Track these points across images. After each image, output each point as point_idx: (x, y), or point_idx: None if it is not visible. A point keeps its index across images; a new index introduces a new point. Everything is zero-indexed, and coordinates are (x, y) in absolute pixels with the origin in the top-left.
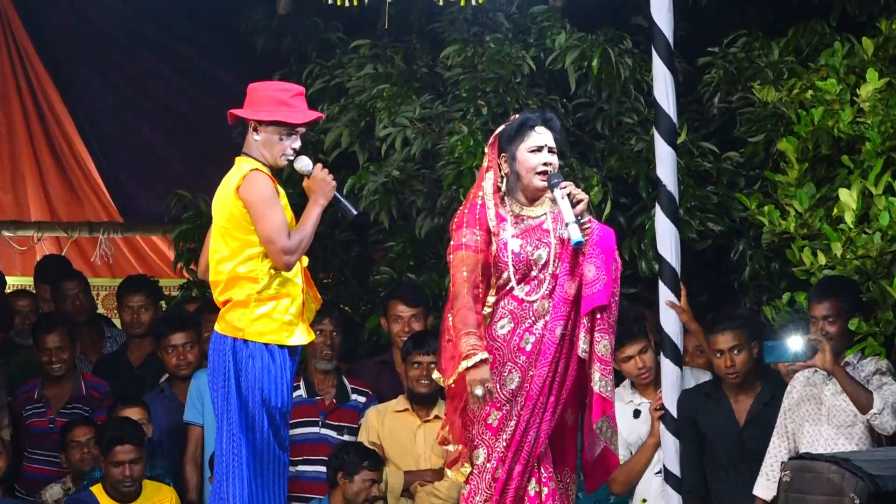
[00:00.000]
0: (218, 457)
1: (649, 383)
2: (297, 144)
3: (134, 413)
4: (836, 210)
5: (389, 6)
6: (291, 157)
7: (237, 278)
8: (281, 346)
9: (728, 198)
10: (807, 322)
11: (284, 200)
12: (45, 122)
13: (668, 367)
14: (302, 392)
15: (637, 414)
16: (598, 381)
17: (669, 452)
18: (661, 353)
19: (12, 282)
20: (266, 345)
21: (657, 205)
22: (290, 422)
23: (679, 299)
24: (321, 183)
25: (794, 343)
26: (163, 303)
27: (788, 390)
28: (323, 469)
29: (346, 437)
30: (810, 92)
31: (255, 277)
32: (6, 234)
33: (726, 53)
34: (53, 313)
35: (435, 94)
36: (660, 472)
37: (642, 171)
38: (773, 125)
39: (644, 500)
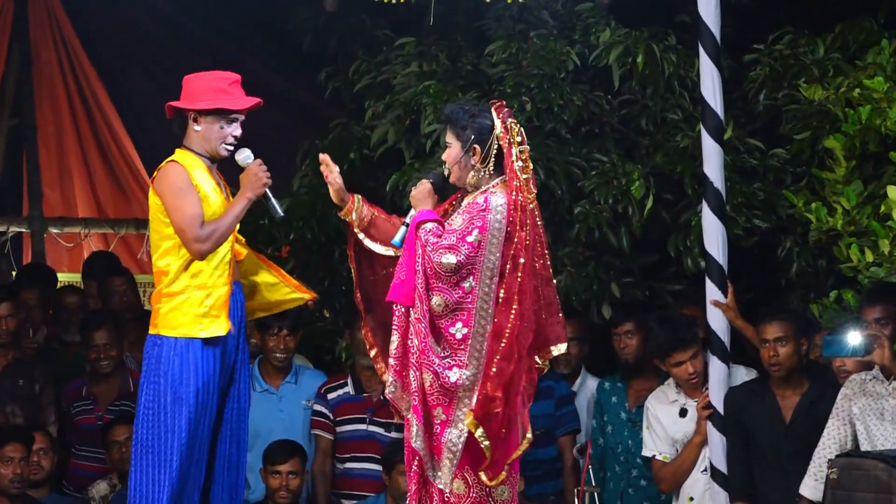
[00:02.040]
0: (136, 455)
1: (697, 386)
2: (238, 132)
3: None
4: (883, 207)
5: (435, 4)
6: (232, 147)
7: (157, 273)
8: (194, 340)
9: (774, 195)
10: (857, 319)
11: (203, 191)
12: (92, 120)
13: (715, 364)
14: (349, 389)
15: (683, 413)
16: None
17: (716, 450)
18: (708, 351)
19: (60, 278)
20: (179, 339)
21: (704, 201)
22: (338, 419)
23: (726, 296)
24: (252, 178)
25: (853, 338)
26: None
27: (844, 392)
28: (371, 466)
29: (393, 434)
30: (857, 90)
31: (167, 271)
32: (54, 230)
33: (772, 50)
34: (101, 310)
35: (479, 91)
36: (706, 470)
37: (688, 168)
38: (819, 122)
39: (691, 499)
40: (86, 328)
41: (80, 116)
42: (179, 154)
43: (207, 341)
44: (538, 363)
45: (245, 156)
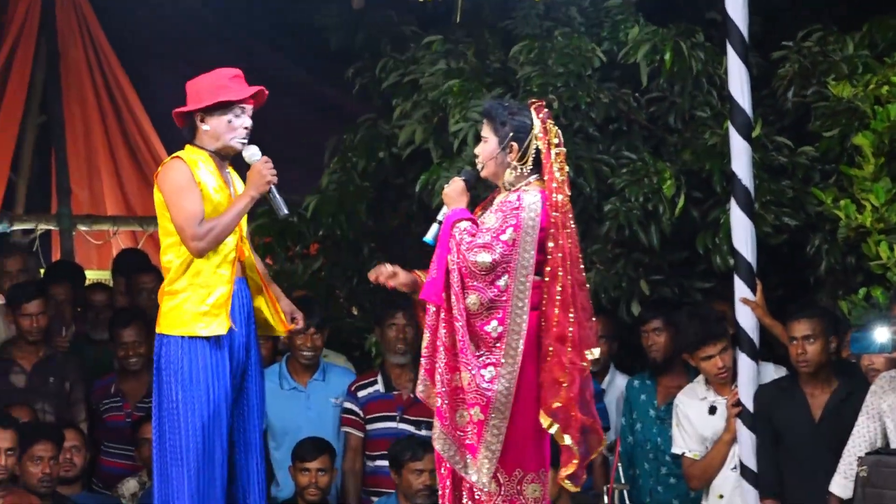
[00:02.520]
0: (156, 456)
1: (725, 381)
2: (248, 123)
3: None
4: None
5: (462, 1)
6: (244, 140)
7: (163, 269)
8: (200, 340)
9: (803, 192)
10: (885, 316)
11: (205, 189)
12: (120, 118)
13: (744, 361)
14: (379, 387)
15: (713, 410)
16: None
17: (746, 448)
18: (737, 348)
19: (89, 276)
20: (184, 337)
21: (732, 199)
22: (368, 417)
23: (754, 294)
24: (257, 175)
25: (881, 335)
26: None
27: (873, 390)
28: None
29: (423, 433)
30: (886, 87)
31: (169, 268)
32: (82, 228)
33: (801, 48)
34: (129, 308)
35: (507, 89)
36: (736, 467)
37: (716, 165)
38: (847, 120)
39: (721, 496)
40: (114, 326)
41: (108, 114)
42: (187, 150)
43: (211, 340)
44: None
45: (252, 152)
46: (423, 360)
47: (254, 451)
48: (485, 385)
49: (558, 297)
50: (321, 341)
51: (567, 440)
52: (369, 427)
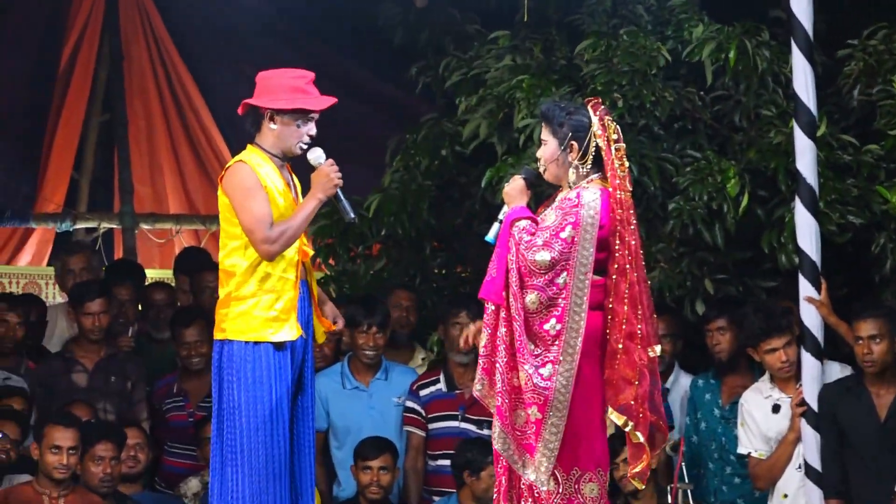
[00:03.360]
0: (214, 458)
1: (790, 378)
2: (313, 131)
3: None
4: None
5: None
6: (307, 145)
7: (224, 273)
8: (265, 344)
9: (868, 191)
10: None
11: (271, 191)
12: (183, 116)
13: (808, 361)
14: (441, 386)
15: (777, 409)
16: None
17: (810, 447)
18: (802, 347)
19: (151, 275)
20: (248, 342)
21: (797, 198)
22: (430, 416)
23: (819, 293)
24: (324, 178)
25: None
26: None
27: None
28: None
29: (485, 432)
30: None
31: (234, 272)
32: (145, 227)
33: (866, 46)
34: (191, 307)
35: (573, 86)
36: (800, 466)
37: (781, 164)
38: None
39: (785, 496)
40: (176, 324)
41: (171, 112)
42: (249, 151)
43: (278, 345)
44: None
45: (317, 155)
46: (481, 360)
47: (308, 452)
48: (542, 383)
49: (626, 295)
50: (383, 341)
51: (639, 437)
52: (431, 426)
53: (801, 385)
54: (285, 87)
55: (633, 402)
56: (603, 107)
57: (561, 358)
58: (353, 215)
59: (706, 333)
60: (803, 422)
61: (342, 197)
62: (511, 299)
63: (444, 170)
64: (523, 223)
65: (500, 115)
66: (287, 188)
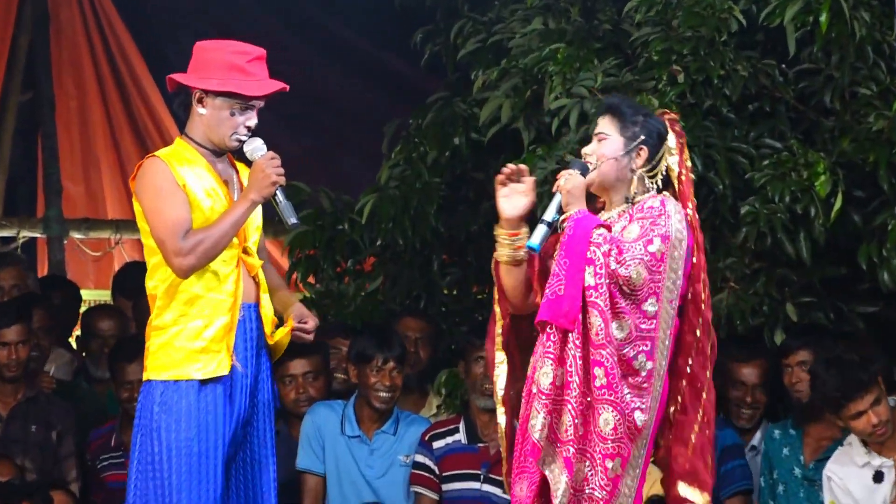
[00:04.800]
0: None
1: (887, 439)
2: (253, 122)
3: None
4: None
5: None
6: (244, 137)
7: (149, 297)
8: (187, 381)
9: None
10: None
11: (192, 193)
12: (125, 96)
13: None
14: (461, 437)
15: (879, 477)
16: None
17: None
18: None
19: (84, 296)
20: (168, 381)
21: None
22: (445, 474)
23: None
24: (259, 175)
25: None
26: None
27: None
28: None
29: None
30: None
31: (155, 296)
32: (76, 235)
33: None
34: (136, 337)
35: (621, 57)
36: None
37: (883, 157)
38: None
39: None
40: (115, 360)
41: (110, 90)
42: (175, 143)
43: (208, 383)
44: None
45: (253, 147)
46: (542, 398)
47: None
48: (636, 429)
49: (698, 332)
50: (400, 380)
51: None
52: (446, 487)
53: None
54: (221, 63)
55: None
56: (680, 126)
57: (648, 405)
58: (295, 220)
59: (784, 369)
60: None
61: (283, 198)
62: (596, 323)
63: (456, 163)
64: (604, 231)
65: (528, 93)
66: (223, 186)
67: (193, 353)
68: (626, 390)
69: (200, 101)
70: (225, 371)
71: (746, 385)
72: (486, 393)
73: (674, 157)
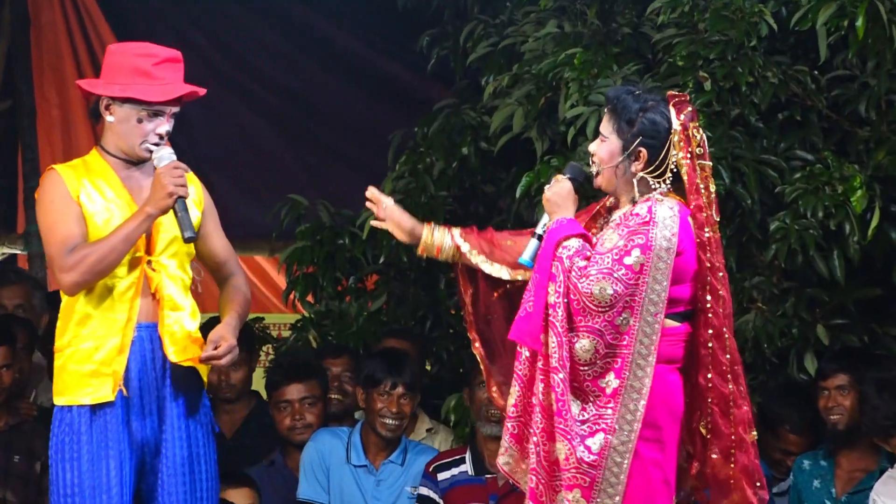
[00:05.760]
0: None
1: None
2: (164, 128)
3: (241, 497)
4: None
5: None
6: (154, 145)
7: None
8: (77, 408)
9: None
10: None
11: (85, 208)
12: None
13: None
14: (467, 468)
15: None
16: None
17: None
18: None
19: None
20: (62, 407)
21: None
22: None
23: None
24: (156, 186)
25: None
26: (268, 347)
27: None
28: None
29: None
30: None
31: (60, 316)
32: None
33: None
34: None
35: (642, 63)
36: None
37: None
38: None
39: None
40: None
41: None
42: (89, 155)
43: (98, 409)
44: None
45: (160, 156)
46: (509, 423)
47: None
48: (589, 458)
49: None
50: (409, 408)
51: None
52: None
53: None
54: (126, 67)
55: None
56: (691, 108)
57: (616, 426)
58: (189, 234)
59: (819, 394)
60: None
61: (183, 209)
62: (552, 345)
63: (464, 175)
64: (574, 242)
65: (541, 100)
66: (129, 198)
67: (84, 377)
68: (584, 415)
69: (108, 108)
70: (110, 397)
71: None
72: (491, 419)
73: (681, 150)
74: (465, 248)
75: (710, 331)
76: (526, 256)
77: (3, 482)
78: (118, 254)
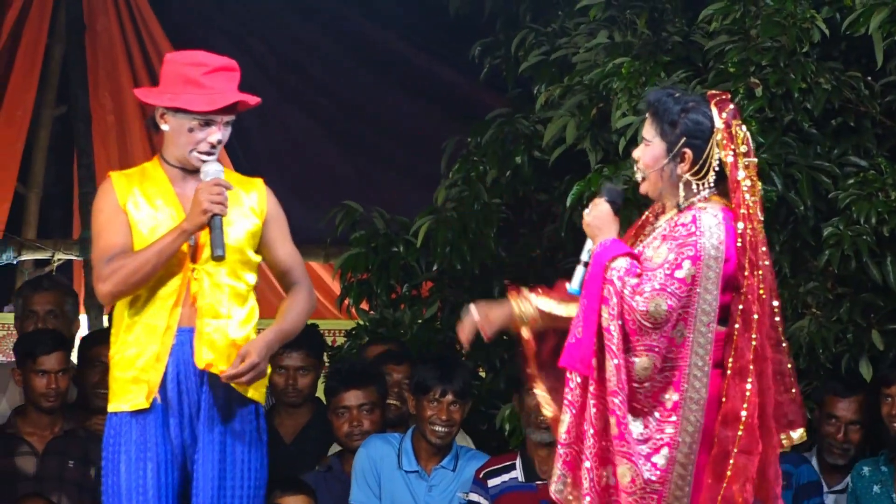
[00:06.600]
0: None
1: None
2: (216, 137)
3: (298, 503)
4: None
5: None
6: (207, 156)
7: None
8: (120, 414)
9: None
10: None
11: (132, 217)
12: None
13: None
14: (517, 474)
15: None
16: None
17: None
18: None
19: None
20: (110, 414)
21: None
22: None
23: None
24: (194, 202)
25: None
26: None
27: None
28: None
29: None
30: None
31: (112, 323)
32: None
33: None
34: None
35: (692, 70)
36: None
37: None
38: None
39: None
40: None
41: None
42: (151, 162)
43: (137, 414)
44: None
45: (206, 171)
46: (561, 449)
47: None
48: (655, 477)
49: (730, 364)
50: (460, 415)
51: None
52: None
53: None
54: (177, 76)
55: None
56: (732, 106)
57: (679, 439)
58: (218, 252)
59: (883, 400)
60: None
61: (218, 226)
62: (609, 368)
63: (517, 183)
64: (622, 262)
65: (593, 111)
66: (181, 209)
67: (126, 384)
68: (645, 433)
69: (163, 117)
70: (145, 403)
71: (840, 421)
72: (541, 426)
73: (725, 149)
74: (543, 304)
75: (741, 310)
76: (574, 285)
77: (57, 487)
78: (151, 267)
